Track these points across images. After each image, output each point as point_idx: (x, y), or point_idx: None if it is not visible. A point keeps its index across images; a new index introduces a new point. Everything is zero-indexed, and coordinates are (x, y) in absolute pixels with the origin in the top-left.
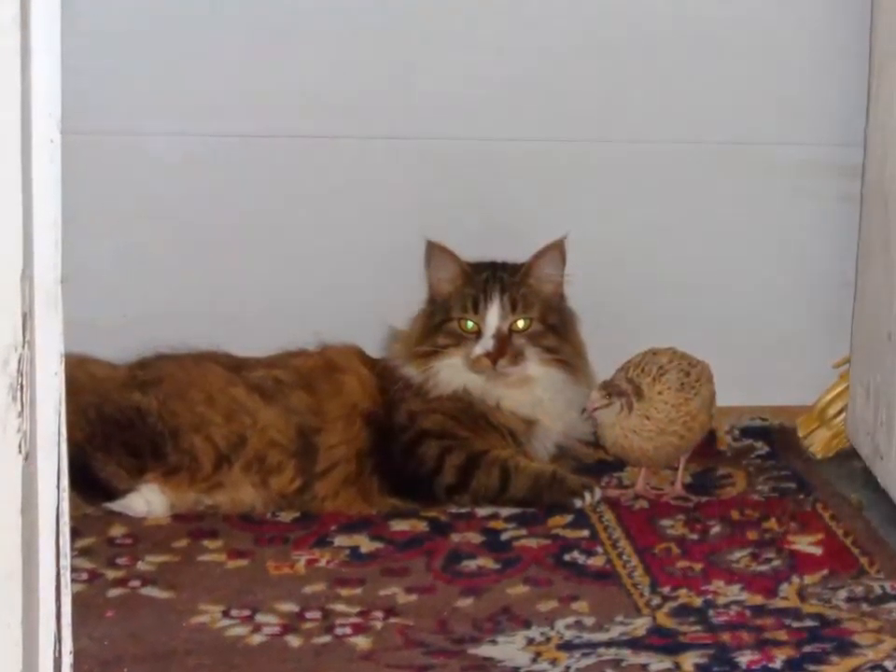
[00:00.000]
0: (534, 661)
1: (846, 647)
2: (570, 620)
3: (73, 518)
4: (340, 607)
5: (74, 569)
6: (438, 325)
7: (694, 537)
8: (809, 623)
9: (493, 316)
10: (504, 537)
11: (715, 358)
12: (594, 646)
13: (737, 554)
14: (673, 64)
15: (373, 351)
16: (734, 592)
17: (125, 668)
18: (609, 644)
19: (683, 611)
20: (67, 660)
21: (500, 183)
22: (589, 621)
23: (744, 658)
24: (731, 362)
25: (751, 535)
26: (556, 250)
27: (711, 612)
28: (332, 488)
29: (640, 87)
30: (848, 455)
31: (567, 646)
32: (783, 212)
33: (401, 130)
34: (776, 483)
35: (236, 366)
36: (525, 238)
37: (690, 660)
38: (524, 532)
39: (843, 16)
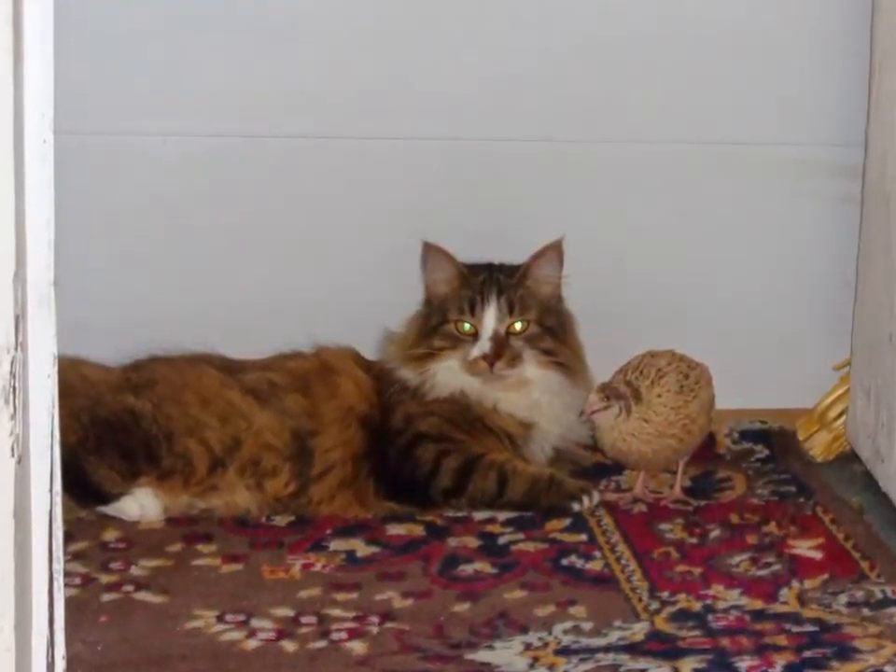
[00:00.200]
0: (531, 666)
1: (846, 652)
2: (568, 625)
3: (66, 522)
4: (335, 611)
5: (67, 574)
6: (434, 327)
7: (693, 541)
8: (809, 627)
9: (490, 318)
10: (501, 541)
11: (714, 361)
12: (592, 651)
13: (737, 559)
14: (673, 64)
15: (369, 353)
16: (733, 596)
17: None
18: (607, 649)
19: (682, 616)
20: (60, 665)
21: (498, 183)
22: (587, 626)
23: (743, 663)
24: (730, 364)
25: (751, 539)
26: (554, 251)
27: (710, 617)
28: (328, 492)
29: (640, 87)
30: (849, 459)
31: (564, 651)
32: (783, 213)
33: (398, 130)
34: (775, 486)
35: (231, 368)
36: (524, 239)
37: (689, 665)
38: (521, 536)
39: (843, 16)
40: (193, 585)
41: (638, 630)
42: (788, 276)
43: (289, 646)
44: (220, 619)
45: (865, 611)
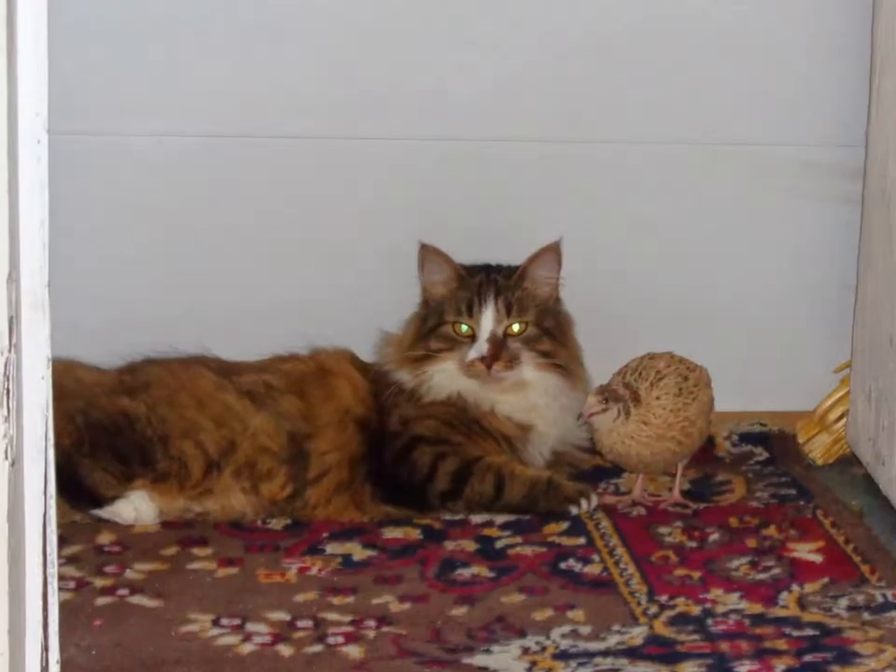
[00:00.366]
0: (529, 671)
1: (846, 656)
2: (566, 629)
3: (60, 525)
4: (332, 615)
5: (61, 578)
6: (431, 329)
7: (693, 544)
8: (809, 631)
9: (487, 320)
10: (499, 544)
11: (713, 363)
12: (590, 655)
13: (736, 562)
14: (673, 64)
15: (366, 355)
16: (732, 600)
17: None
18: (605, 653)
19: (681, 620)
20: (54, 669)
21: (496, 184)
22: (585, 630)
23: (743, 668)
24: (729, 367)
25: (750, 542)
26: (552, 253)
27: (710, 621)
28: (324, 495)
29: (639, 87)
30: (849, 462)
31: (562, 655)
32: (783, 214)
33: (394, 130)
34: (775, 489)
35: (226, 371)
36: (522, 240)
37: (688, 669)
38: (519, 540)
39: (843, 16)
40: (188, 589)
41: (637, 634)
42: (788, 278)
43: (285, 650)
44: (216, 623)
45: (866, 615)
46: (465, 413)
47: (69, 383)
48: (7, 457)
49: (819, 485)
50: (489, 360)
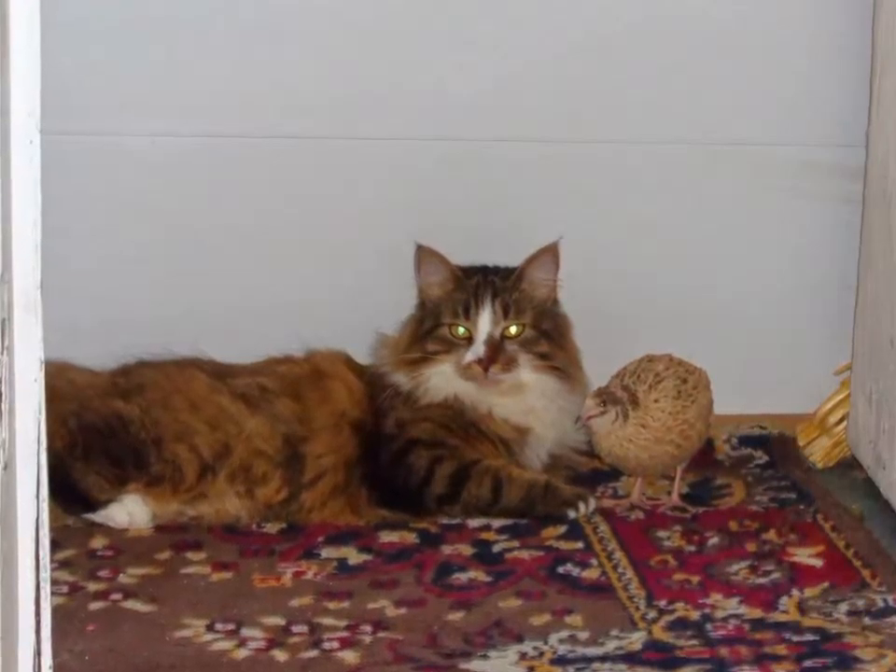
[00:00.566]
0: None
1: (847, 661)
2: (564, 634)
3: (53, 529)
4: (327, 620)
5: (54, 582)
6: (428, 331)
7: (692, 548)
8: (809, 637)
9: (484, 322)
10: (496, 548)
11: (713, 365)
12: (588, 660)
13: (736, 567)
14: (673, 64)
15: (362, 357)
16: (732, 605)
17: None
18: (603, 659)
19: (680, 625)
20: None
21: (495, 185)
22: (583, 635)
23: None
24: (729, 369)
25: (750, 546)
26: (549, 254)
27: (709, 626)
28: (319, 499)
29: (639, 87)
30: (850, 465)
31: (560, 661)
32: (783, 214)
33: (394, 130)
34: (775, 493)
35: (221, 373)
36: (521, 240)
37: None
38: (516, 544)
39: (843, 16)
40: (182, 594)
41: (636, 639)
42: (788, 279)
43: (280, 655)
44: (210, 628)
45: (866, 620)
46: (462, 415)
47: (62, 385)
48: None
49: (820, 489)
50: (486, 363)
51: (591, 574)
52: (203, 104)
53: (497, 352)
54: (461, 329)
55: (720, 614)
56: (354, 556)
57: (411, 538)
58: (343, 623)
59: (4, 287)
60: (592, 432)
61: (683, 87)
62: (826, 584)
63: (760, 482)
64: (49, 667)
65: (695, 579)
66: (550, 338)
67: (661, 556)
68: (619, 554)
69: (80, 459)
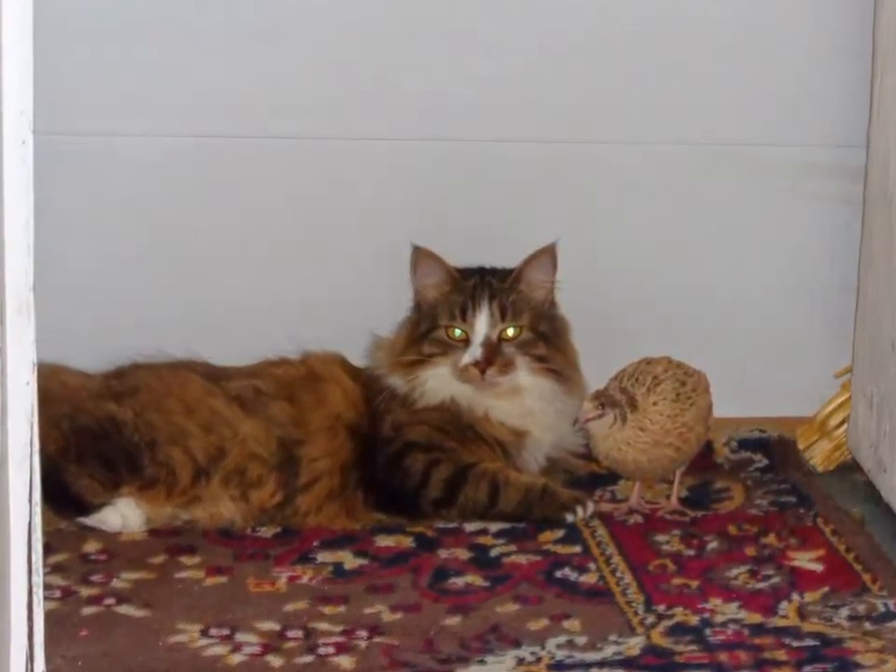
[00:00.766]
0: None
1: (847, 667)
2: (562, 639)
3: (45, 533)
4: (322, 625)
5: (46, 586)
6: (424, 333)
7: (691, 553)
8: (810, 642)
9: (481, 324)
10: (493, 553)
11: (712, 367)
12: (586, 666)
13: (735, 571)
14: (673, 64)
15: (357, 360)
16: (731, 610)
17: None
18: (601, 664)
19: (679, 630)
20: None
21: (492, 185)
22: (581, 640)
23: None
24: (728, 371)
25: (750, 551)
26: (547, 255)
27: (708, 631)
28: (315, 502)
29: (638, 87)
30: (850, 468)
31: (558, 666)
32: (783, 215)
33: (387, 131)
34: (775, 496)
35: (215, 375)
36: (518, 242)
37: None
38: (513, 548)
39: (843, 16)
40: (176, 598)
41: (634, 644)
42: (788, 280)
43: (275, 661)
44: (204, 633)
45: (867, 625)
46: (458, 418)
47: (55, 387)
48: None
49: (820, 492)
50: (483, 365)
51: (589, 579)
52: (199, 104)
53: (494, 354)
54: (458, 331)
55: (719, 619)
56: (349, 561)
57: (407, 542)
58: (339, 629)
59: None
60: (590, 435)
61: (683, 87)
62: (826, 589)
63: (759, 485)
64: None
65: (694, 583)
66: (547, 340)
67: (659, 561)
68: (617, 559)
69: (73, 462)
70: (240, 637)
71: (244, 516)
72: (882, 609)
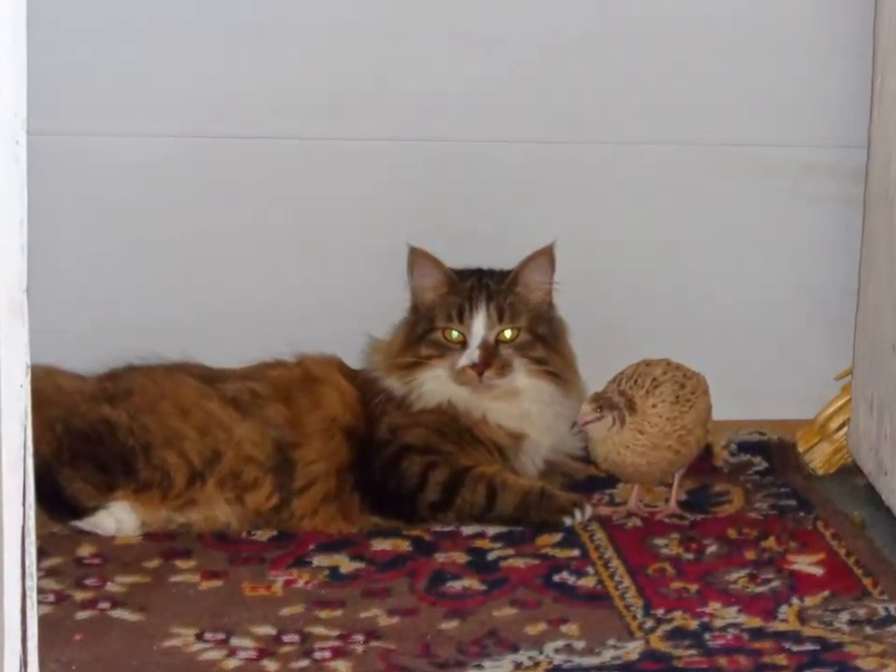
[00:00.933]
0: None
1: (848, 671)
2: (560, 643)
3: (39, 537)
4: (319, 630)
5: (40, 591)
6: (421, 335)
7: (690, 556)
8: (810, 646)
9: (479, 326)
10: (490, 556)
11: (711, 369)
12: (584, 670)
13: (735, 575)
14: (672, 64)
15: (354, 362)
16: (731, 614)
17: None
18: (600, 669)
19: (678, 634)
20: None
21: (489, 186)
22: (579, 644)
23: None
24: (728, 374)
25: (749, 554)
26: (545, 257)
27: (707, 635)
28: (311, 506)
29: (637, 87)
30: (851, 471)
31: (556, 671)
32: (783, 216)
33: (383, 131)
34: (775, 500)
35: (210, 378)
36: (515, 243)
37: None
38: (511, 552)
39: (843, 16)
40: (171, 602)
41: (633, 649)
42: (788, 282)
43: (271, 666)
44: (199, 637)
45: (868, 630)
46: (456, 421)
47: (49, 390)
48: None
49: (820, 496)
50: (480, 367)
51: (587, 582)
52: (195, 104)
53: (491, 356)
54: (455, 333)
55: (718, 623)
56: (346, 564)
57: (404, 545)
58: (335, 633)
59: None
60: (588, 438)
61: (683, 87)
62: (827, 593)
63: (759, 488)
64: None
65: (694, 587)
66: (545, 342)
67: (658, 564)
68: (616, 563)
69: (67, 465)
70: (235, 641)
71: (239, 519)
72: (883, 613)
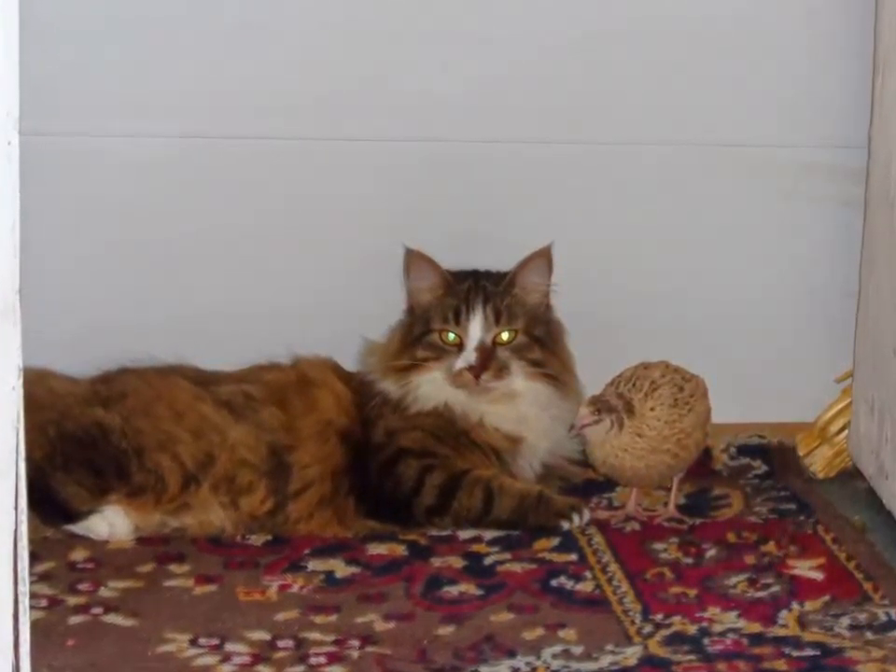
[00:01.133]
0: None
1: None
2: (557, 648)
3: (32, 541)
4: (314, 635)
5: (33, 596)
6: (417, 337)
7: (689, 561)
8: (810, 652)
9: (476, 328)
10: (487, 561)
11: (710, 373)
12: None
13: (734, 579)
14: (671, 64)
15: (349, 364)
16: (730, 619)
17: None
18: None
19: (677, 640)
20: None
21: (486, 187)
22: (577, 650)
23: None
24: (727, 376)
25: (749, 559)
26: (542, 258)
27: (706, 641)
28: (306, 510)
29: (636, 87)
30: (851, 475)
31: None
32: (783, 217)
33: (379, 131)
34: (774, 504)
35: (204, 380)
36: (512, 245)
37: None
38: (508, 556)
39: (843, 16)
40: (165, 607)
41: (631, 654)
42: (787, 284)
43: (266, 671)
44: (193, 643)
45: (868, 635)
46: (452, 424)
47: (41, 393)
48: None
49: (820, 500)
50: (477, 370)
51: (585, 587)
52: (187, 104)
53: (488, 359)
54: (451, 336)
55: (717, 628)
56: (341, 569)
57: (399, 550)
58: (331, 638)
59: None
60: (586, 441)
61: (683, 87)
62: (827, 598)
63: (759, 492)
64: None
65: (692, 592)
66: (543, 344)
67: (657, 569)
68: (614, 567)
69: (60, 469)
70: (229, 646)
71: (233, 524)
72: (884, 618)
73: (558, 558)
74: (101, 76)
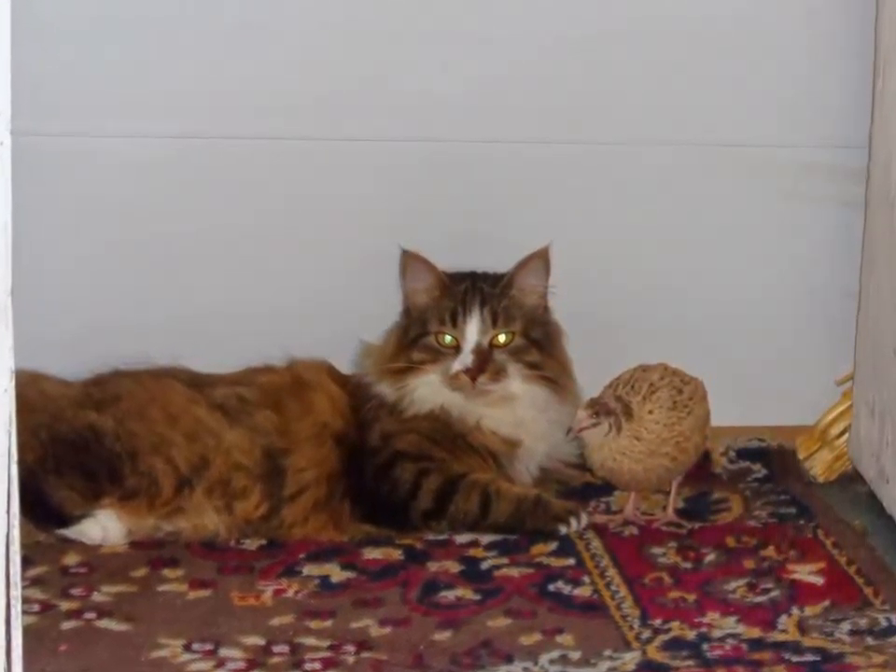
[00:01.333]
0: None
1: None
2: (555, 654)
3: (24, 546)
4: (309, 640)
5: (25, 600)
6: (413, 339)
7: (687, 565)
8: (810, 657)
9: (472, 330)
10: (484, 565)
11: (709, 375)
12: None
13: (733, 584)
14: (671, 64)
15: (345, 367)
16: (729, 624)
17: None
18: None
19: (675, 645)
20: None
21: (484, 187)
22: (575, 655)
23: None
24: (726, 379)
25: (748, 563)
26: (540, 260)
27: (705, 646)
28: (301, 514)
29: (636, 87)
30: (852, 479)
31: None
32: (783, 217)
33: (379, 131)
34: (774, 508)
35: (198, 383)
36: (509, 246)
37: None
38: (505, 561)
39: (843, 15)
40: (158, 612)
41: (629, 660)
42: (787, 285)
43: None
44: (187, 648)
45: (869, 640)
46: (449, 427)
47: (33, 395)
48: None
49: (821, 504)
50: (474, 372)
51: (583, 592)
52: (185, 104)
53: (485, 361)
54: (448, 338)
55: (717, 634)
56: (336, 574)
57: (395, 554)
58: (326, 643)
59: None
60: (584, 444)
61: (683, 87)
62: (827, 602)
63: (758, 496)
64: None
65: (691, 597)
66: (540, 346)
67: (655, 574)
68: (612, 572)
69: (52, 473)
70: (224, 651)
71: (228, 528)
72: (884, 623)
73: (556, 563)
74: (100, 76)
